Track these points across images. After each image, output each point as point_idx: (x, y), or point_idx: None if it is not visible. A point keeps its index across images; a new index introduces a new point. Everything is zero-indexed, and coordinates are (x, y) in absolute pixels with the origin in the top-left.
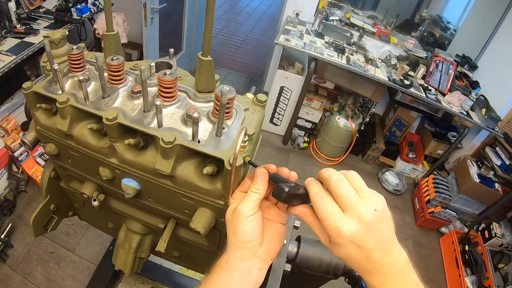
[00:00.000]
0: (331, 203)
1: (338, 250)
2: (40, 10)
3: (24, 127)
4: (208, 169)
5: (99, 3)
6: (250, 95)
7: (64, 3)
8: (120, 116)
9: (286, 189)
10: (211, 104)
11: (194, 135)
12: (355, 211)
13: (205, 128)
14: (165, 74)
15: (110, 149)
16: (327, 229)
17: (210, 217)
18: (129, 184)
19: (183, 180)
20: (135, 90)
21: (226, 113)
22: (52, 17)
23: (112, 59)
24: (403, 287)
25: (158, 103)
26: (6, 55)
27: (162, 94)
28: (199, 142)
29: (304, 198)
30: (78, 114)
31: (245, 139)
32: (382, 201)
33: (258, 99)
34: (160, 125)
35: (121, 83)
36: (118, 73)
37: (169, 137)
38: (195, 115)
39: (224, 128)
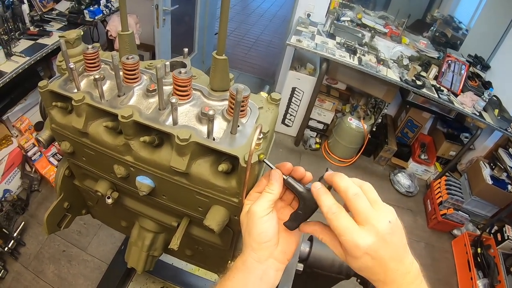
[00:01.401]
0: (346, 218)
1: (355, 262)
2: (53, 12)
3: (38, 127)
4: (223, 166)
5: (112, 5)
6: (264, 94)
7: (76, 5)
8: (136, 114)
9: (294, 226)
10: (226, 102)
11: (209, 132)
12: (371, 224)
13: (219, 126)
14: (180, 72)
15: (125, 147)
16: (344, 244)
17: (224, 215)
18: (144, 182)
19: (198, 178)
20: (150, 89)
21: (241, 111)
22: (65, 19)
23: (128, 58)
24: None
25: (173, 100)
26: (20, 56)
27: (177, 92)
28: (214, 139)
29: (312, 209)
30: (93, 112)
31: (260, 137)
32: (394, 213)
33: (272, 97)
34: (175, 122)
35: (136, 82)
36: (133, 72)
37: (184, 135)
38: (211, 112)
39: (238, 126)
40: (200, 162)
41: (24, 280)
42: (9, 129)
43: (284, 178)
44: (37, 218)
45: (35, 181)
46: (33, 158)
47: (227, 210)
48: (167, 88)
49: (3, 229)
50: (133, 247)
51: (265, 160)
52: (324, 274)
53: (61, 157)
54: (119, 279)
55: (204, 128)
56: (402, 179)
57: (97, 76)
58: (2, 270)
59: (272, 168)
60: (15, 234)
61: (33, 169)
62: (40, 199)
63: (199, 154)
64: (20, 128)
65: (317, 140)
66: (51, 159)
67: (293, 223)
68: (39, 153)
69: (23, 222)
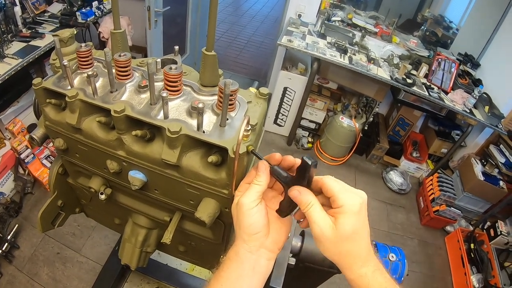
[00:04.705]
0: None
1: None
2: (45, 14)
3: (31, 129)
4: (212, 158)
5: (104, 7)
6: (253, 89)
7: (69, 7)
8: (128, 108)
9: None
10: (215, 97)
11: (199, 125)
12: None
13: (209, 120)
14: (170, 68)
15: (117, 142)
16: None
17: (215, 207)
18: (136, 176)
19: (188, 170)
20: (142, 85)
21: (230, 105)
22: (58, 21)
23: (120, 55)
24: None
25: (164, 94)
26: (13, 58)
27: (168, 88)
28: (204, 132)
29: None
30: (86, 108)
31: (248, 128)
32: (364, 194)
33: (261, 92)
34: (166, 116)
35: (128, 79)
36: (126, 69)
37: (175, 127)
38: (200, 105)
39: (228, 119)
40: (191, 155)
41: (18, 283)
42: (1, 132)
43: (270, 168)
44: (31, 220)
45: (28, 184)
46: (26, 161)
47: (218, 202)
48: (159, 85)
49: None
50: (126, 243)
51: (253, 151)
52: (316, 268)
53: (54, 158)
54: (113, 280)
55: (194, 122)
56: (395, 177)
57: (90, 73)
58: None
59: (261, 159)
60: (9, 237)
61: (26, 172)
62: (33, 201)
63: (189, 146)
64: (13, 131)
65: (309, 139)
66: (44, 161)
67: (283, 212)
68: (32, 155)
69: (16, 225)
